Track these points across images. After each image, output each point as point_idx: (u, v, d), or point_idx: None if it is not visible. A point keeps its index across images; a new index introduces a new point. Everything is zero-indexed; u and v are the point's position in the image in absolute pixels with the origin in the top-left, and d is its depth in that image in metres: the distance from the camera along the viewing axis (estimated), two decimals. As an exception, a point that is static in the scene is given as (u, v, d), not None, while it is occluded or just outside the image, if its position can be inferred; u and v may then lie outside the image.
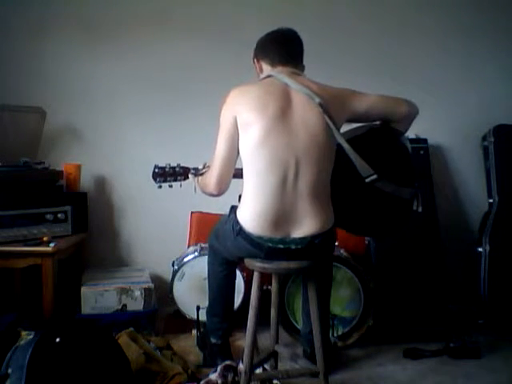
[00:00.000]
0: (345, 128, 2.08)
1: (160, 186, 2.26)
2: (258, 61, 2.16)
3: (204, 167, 2.18)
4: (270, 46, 2.12)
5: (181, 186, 2.26)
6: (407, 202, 2.10)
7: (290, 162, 1.92)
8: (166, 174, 2.24)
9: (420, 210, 2.09)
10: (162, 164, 2.25)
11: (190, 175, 2.23)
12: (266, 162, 1.92)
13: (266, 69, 2.12)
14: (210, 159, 2.07)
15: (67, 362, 1.83)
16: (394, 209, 2.11)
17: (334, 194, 2.02)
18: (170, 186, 2.26)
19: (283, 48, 2.10)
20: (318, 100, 1.94)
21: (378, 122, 2.14)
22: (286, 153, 1.92)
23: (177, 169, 2.24)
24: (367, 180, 1.99)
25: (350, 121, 2.08)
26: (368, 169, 1.98)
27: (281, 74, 2.03)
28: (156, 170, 2.24)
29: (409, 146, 2.17)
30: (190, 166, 2.25)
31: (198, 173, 2.19)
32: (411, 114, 2.11)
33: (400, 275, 2.86)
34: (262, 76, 2.12)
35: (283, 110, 1.94)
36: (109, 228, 3.26)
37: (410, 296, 2.81)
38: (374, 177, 1.98)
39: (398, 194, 2.06)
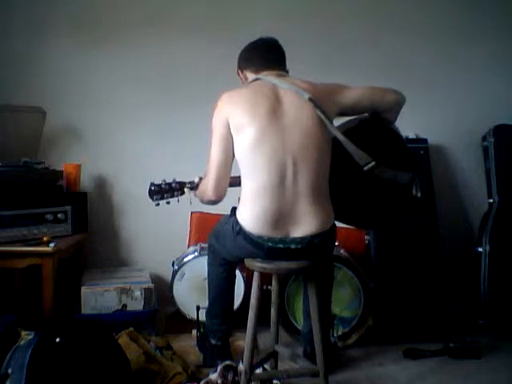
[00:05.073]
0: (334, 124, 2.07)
1: (158, 204, 2.17)
2: (242, 71, 2.18)
3: (200, 180, 2.14)
4: (253, 54, 2.15)
5: (178, 201, 2.18)
6: (406, 188, 2.09)
7: (286, 161, 1.92)
8: (163, 191, 2.15)
9: (419, 195, 2.09)
10: (157, 181, 2.16)
11: (185, 189, 2.17)
12: (263, 163, 1.92)
13: (251, 76, 2.13)
14: (205, 171, 2.05)
15: (67, 362, 1.83)
16: (394, 196, 2.11)
17: (332, 189, 2.02)
18: (168, 203, 2.17)
19: (266, 54, 2.13)
20: (307, 96, 1.95)
21: (366, 114, 2.14)
22: (282, 152, 1.92)
23: (173, 184, 2.17)
24: (366, 168, 1.98)
25: (339, 114, 2.08)
26: (365, 157, 1.98)
27: (268, 76, 2.05)
28: (152, 188, 2.15)
29: (400, 132, 2.18)
30: (187, 176, 2.19)
31: (193, 186, 2.15)
32: (399, 102, 2.12)
33: (400, 275, 2.86)
34: (249, 81, 2.12)
35: (274, 109, 1.95)
36: (109, 228, 3.26)
37: (410, 296, 2.81)
38: (373, 164, 1.98)
39: (396, 179, 2.06)
